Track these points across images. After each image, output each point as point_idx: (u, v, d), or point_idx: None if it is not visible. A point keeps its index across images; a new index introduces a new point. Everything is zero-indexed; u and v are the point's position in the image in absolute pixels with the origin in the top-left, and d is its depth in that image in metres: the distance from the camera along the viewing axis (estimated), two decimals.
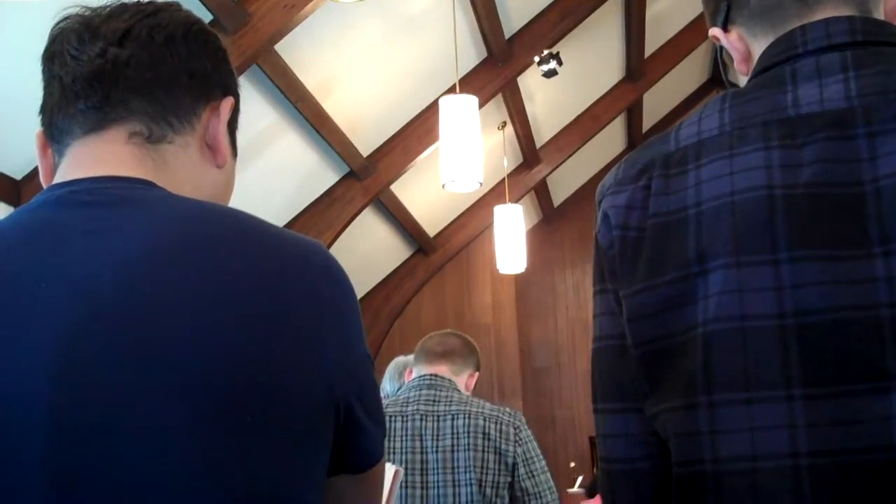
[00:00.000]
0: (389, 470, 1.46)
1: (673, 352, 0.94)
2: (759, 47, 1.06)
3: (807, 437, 0.85)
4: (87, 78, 0.91)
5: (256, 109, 4.89)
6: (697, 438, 0.91)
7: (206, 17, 3.97)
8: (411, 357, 3.49)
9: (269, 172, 5.44)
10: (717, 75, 9.82)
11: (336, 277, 0.89)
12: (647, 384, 0.97)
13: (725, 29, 1.10)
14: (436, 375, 2.70)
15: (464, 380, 2.79)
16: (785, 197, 0.90)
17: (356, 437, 0.90)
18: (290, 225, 5.90)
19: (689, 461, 0.92)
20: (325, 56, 5.09)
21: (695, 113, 1.03)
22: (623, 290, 0.99)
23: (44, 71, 0.96)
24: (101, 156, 0.92)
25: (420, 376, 2.74)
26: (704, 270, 0.91)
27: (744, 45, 1.08)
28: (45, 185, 0.95)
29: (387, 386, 3.42)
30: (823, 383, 0.85)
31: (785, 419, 0.86)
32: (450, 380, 2.70)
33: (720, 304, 0.90)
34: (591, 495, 5.89)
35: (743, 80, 1.10)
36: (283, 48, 4.67)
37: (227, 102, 1.00)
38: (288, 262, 0.86)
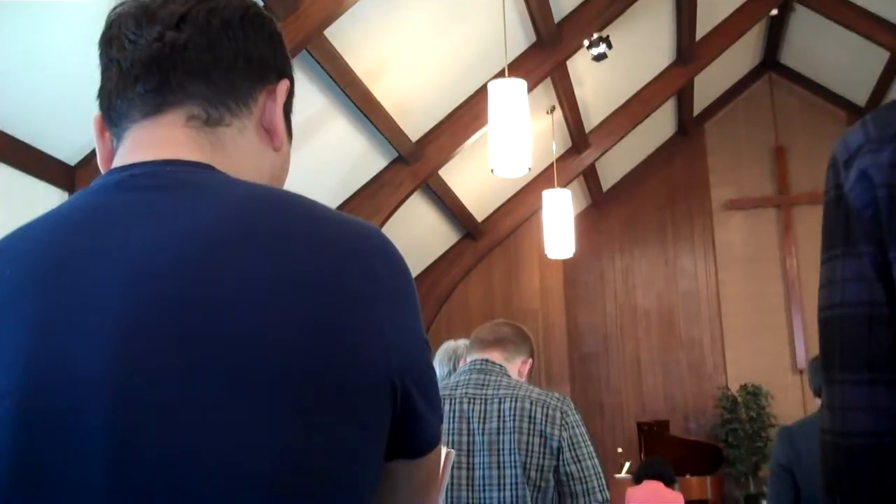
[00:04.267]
0: (442, 451, 1.46)
1: None
2: None
3: None
4: (145, 62, 0.92)
5: (306, 95, 4.91)
6: None
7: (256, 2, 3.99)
8: (461, 342, 3.49)
9: (317, 158, 5.47)
10: (770, 58, 9.68)
11: (394, 262, 0.89)
12: None
13: None
14: (487, 360, 2.70)
15: (516, 366, 2.78)
16: None
17: (413, 421, 0.89)
18: (338, 210, 5.92)
19: None
20: (374, 41, 5.10)
21: None
22: (894, 251, 0.93)
23: (101, 55, 0.96)
24: (159, 139, 0.92)
25: (472, 361, 2.74)
26: None
27: None
28: (103, 170, 0.96)
29: (437, 370, 3.43)
30: None
31: None
32: (501, 365, 2.70)
33: None
34: (637, 481, 5.86)
35: None
36: (333, 33, 4.68)
37: (283, 85, 1.00)
38: (346, 246, 0.86)
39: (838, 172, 0.99)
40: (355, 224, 0.89)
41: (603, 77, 7.15)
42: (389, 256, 0.89)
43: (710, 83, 8.89)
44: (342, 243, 0.86)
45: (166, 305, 0.79)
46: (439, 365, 3.45)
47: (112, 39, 0.94)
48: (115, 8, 0.96)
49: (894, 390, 0.93)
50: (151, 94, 0.93)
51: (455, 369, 3.35)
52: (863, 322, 0.95)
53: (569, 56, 6.36)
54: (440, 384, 2.76)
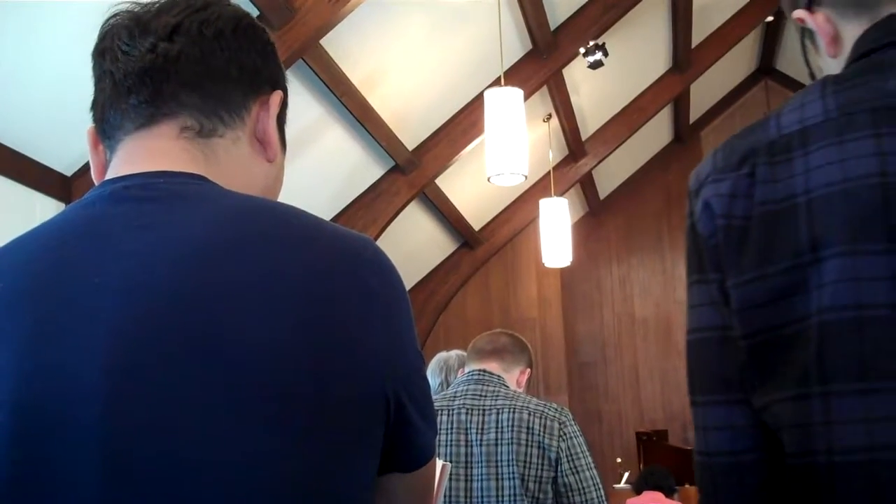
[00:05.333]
0: (438, 464, 1.46)
1: (785, 342, 0.92)
2: (849, 29, 1.04)
3: None
4: (139, 73, 0.92)
5: (302, 104, 4.91)
6: (811, 429, 0.90)
7: (251, 12, 3.99)
8: (454, 353, 3.49)
9: (314, 167, 5.46)
10: (766, 65, 9.70)
11: (387, 273, 0.89)
12: (757, 375, 0.95)
13: (810, 10, 1.07)
14: (484, 371, 2.69)
15: (515, 376, 2.78)
16: None
17: (407, 434, 0.89)
18: (335, 220, 5.92)
19: (803, 452, 0.91)
20: (370, 50, 5.10)
21: (794, 100, 1.01)
22: (730, 279, 0.97)
23: (94, 67, 0.96)
24: (153, 151, 0.92)
25: (469, 372, 2.73)
26: (818, 259, 0.90)
27: (832, 27, 1.06)
28: (96, 182, 0.96)
29: (429, 381, 3.40)
30: None
31: None
32: (499, 376, 2.69)
33: (836, 294, 0.88)
34: (638, 491, 5.84)
35: (829, 63, 1.07)
36: (329, 42, 4.68)
37: (276, 96, 1.00)
38: (338, 258, 0.85)
39: (691, 201, 1.05)
40: (348, 236, 0.89)
41: (599, 85, 7.16)
42: (382, 268, 0.89)
43: (707, 90, 8.90)
44: (335, 255, 0.86)
45: (159, 317, 0.79)
46: (431, 376, 3.44)
47: (105, 51, 0.94)
48: (108, 19, 0.96)
49: (747, 410, 0.97)
50: (144, 105, 0.92)
51: (447, 380, 3.35)
52: (716, 346, 0.99)
53: (565, 64, 6.36)
54: (438, 395, 2.75)
